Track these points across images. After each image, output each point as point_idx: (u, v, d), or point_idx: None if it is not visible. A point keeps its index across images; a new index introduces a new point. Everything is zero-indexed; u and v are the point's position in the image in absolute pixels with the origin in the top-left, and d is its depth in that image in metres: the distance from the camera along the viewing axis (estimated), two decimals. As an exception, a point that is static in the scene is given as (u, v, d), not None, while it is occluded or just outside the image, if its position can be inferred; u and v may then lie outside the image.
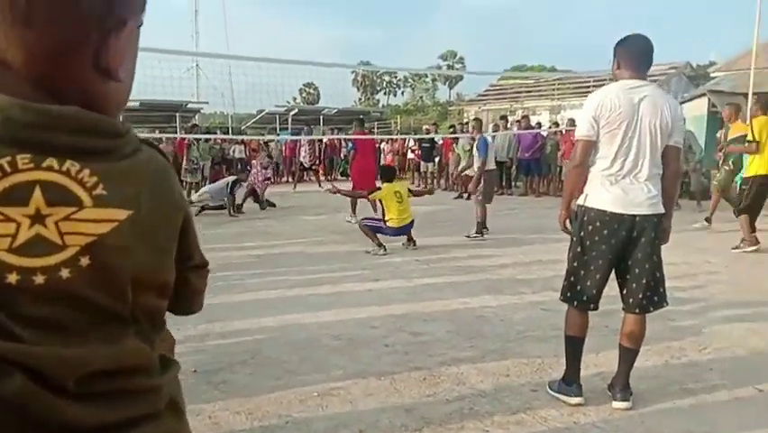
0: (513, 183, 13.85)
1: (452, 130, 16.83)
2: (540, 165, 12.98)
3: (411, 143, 16.41)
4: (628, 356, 2.93)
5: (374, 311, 4.50)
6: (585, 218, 2.82)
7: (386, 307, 4.61)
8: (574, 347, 2.98)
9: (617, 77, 2.86)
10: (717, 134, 13.39)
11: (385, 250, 6.68)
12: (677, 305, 4.59)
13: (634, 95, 2.74)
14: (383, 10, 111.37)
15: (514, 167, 13.62)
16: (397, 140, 17.83)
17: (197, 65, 26.12)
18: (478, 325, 4.19)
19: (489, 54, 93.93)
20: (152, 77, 8.40)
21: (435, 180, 15.21)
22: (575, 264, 2.89)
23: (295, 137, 18.23)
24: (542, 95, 28.67)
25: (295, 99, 65.54)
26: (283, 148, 17.92)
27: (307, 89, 71.60)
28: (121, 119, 0.77)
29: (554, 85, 28.05)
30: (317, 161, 16.41)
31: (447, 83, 66.75)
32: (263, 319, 4.35)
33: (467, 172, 12.59)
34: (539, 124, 15.94)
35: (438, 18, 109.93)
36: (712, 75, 21.06)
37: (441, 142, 15.12)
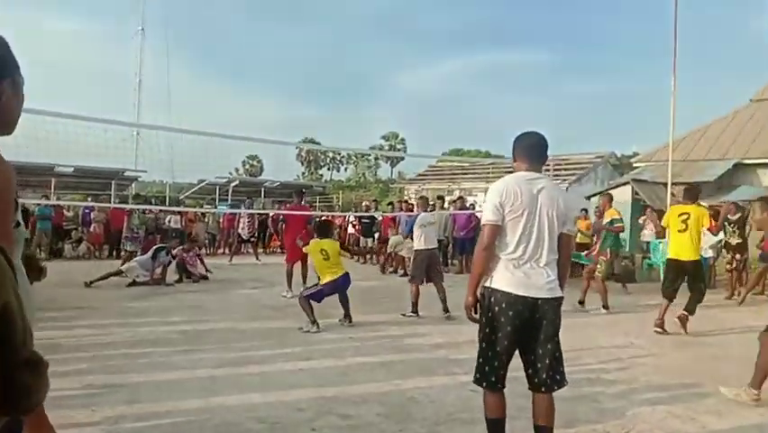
0: (450, 261, 14.05)
1: (390, 207, 17.10)
2: (474, 244, 13.27)
3: (352, 218, 16.54)
4: None
5: (303, 393, 4.36)
6: (492, 300, 2.94)
7: (316, 388, 4.49)
8: (495, 429, 3.00)
9: (516, 169, 3.12)
10: (640, 220, 14.23)
11: (318, 327, 6.57)
12: (603, 387, 4.70)
13: (533, 186, 2.99)
14: (328, 90, 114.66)
15: (450, 245, 13.88)
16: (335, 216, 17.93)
17: (138, 133, 25.84)
18: (408, 407, 4.13)
19: (429, 137, 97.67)
20: (87, 144, 8.18)
21: (375, 256, 15.26)
22: (484, 345, 2.99)
23: (233, 210, 18.05)
24: (477, 177, 29.84)
25: (237, 170, 65.41)
26: (221, 219, 17.68)
27: (251, 161, 71.65)
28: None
29: (488, 168, 29.32)
30: (256, 234, 16.18)
31: (389, 162, 68.47)
32: (186, 401, 4.14)
33: (402, 253, 12.78)
34: (472, 206, 16.45)
35: (381, 100, 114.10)
36: (634, 164, 22.58)
37: (380, 218, 15.32)
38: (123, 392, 4.26)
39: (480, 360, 3.00)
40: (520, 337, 2.93)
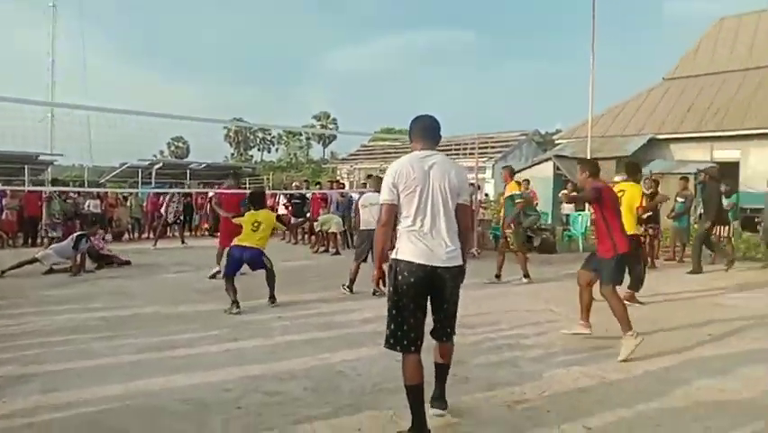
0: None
1: (319, 186, 17.05)
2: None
3: (283, 199, 16.33)
4: (442, 371, 3.49)
5: (229, 373, 4.33)
6: (397, 269, 3.20)
7: (242, 367, 4.46)
8: (415, 395, 3.14)
9: (412, 149, 3.39)
10: (560, 194, 14.80)
11: (238, 307, 6.49)
12: (522, 351, 4.93)
13: (424, 163, 3.25)
14: (258, 69, 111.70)
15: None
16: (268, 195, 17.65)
17: (52, 115, 24.40)
18: (335, 380, 4.19)
19: (361, 116, 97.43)
20: (-2, 127, 7.68)
21: (306, 236, 15.19)
22: (393, 312, 3.22)
23: (158, 190, 17.45)
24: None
25: (162, 153, 63.10)
26: (144, 203, 17.05)
27: (176, 143, 69.23)
28: None
29: (420, 146, 29.56)
30: (182, 217, 15.71)
31: (321, 142, 67.87)
32: (107, 387, 4.02)
33: (332, 230, 12.80)
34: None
35: (312, 81, 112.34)
36: (557, 141, 23.44)
37: (311, 197, 15.24)
38: (37, 382, 4.10)
39: (392, 326, 3.21)
40: (424, 302, 3.22)
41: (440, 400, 3.48)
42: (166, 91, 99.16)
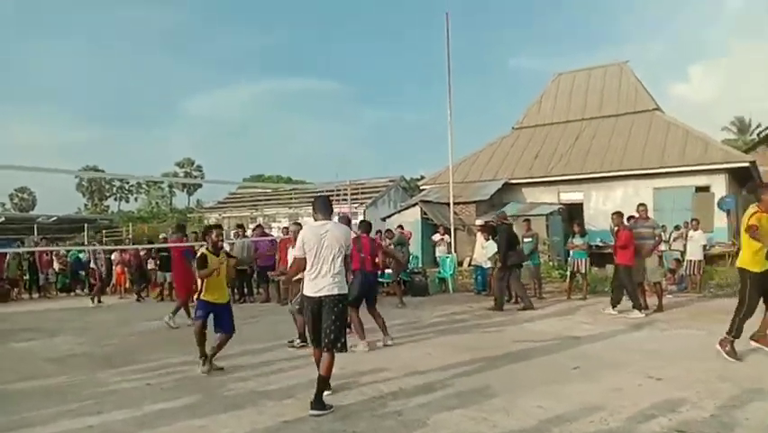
0: (256, 290, 13.77)
1: (195, 235, 16.29)
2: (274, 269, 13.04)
3: (153, 252, 15.27)
4: (321, 380, 4.80)
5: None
6: (303, 301, 5.12)
7: (109, 444, 4.06)
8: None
9: (314, 218, 5.09)
10: (435, 237, 15.30)
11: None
12: (405, 398, 4.97)
13: (320, 230, 4.95)
14: (110, 114, 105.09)
15: (255, 274, 13.54)
16: (127, 250, 16.49)
17: None
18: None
19: (228, 163, 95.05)
20: None
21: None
22: (308, 327, 5.18)
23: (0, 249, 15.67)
24: (280, 203, 29.84)
25: (4, 205, 57.05)
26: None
27: (20, 195, 63.15)
28: None
29: (291, 194, 29.52)
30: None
31: (185, 190, 65.22)
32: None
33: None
34: (286, 230, 16.09)
35: (173, 126, 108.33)
36: (422, 187, 24.53)
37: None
38: None
39: (306, 333, 5.73)
40: (318, 318, 4.88)
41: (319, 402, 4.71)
42: (6, 133, 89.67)
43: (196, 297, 6.58)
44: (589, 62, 26.68)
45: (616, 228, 9.94)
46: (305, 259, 4.90)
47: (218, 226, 7.21)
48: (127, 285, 15.91)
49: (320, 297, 4.81)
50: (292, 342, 7.36)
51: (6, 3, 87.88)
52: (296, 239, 6.38)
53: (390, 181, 28.75)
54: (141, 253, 14.94)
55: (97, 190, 64.47)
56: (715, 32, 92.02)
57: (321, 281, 4.82)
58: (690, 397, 4.74)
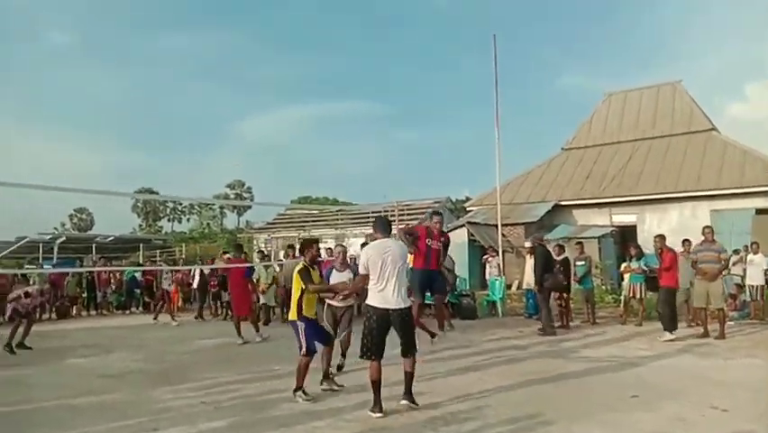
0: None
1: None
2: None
3: (207, 271, 15.58)
4: (408, 377, 5.39)
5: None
6: (368, 310, 5.35)
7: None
8: (376, 388, 5.23)
9: (374, 237, 5.64)
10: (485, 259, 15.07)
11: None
12: (458, 425, 4.88)
13: (382, 247, 5.39)
14: (162, 138, 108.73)
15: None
16: (180, 271, 16.90)
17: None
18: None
19: (276, 184, 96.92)
20: None
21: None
22: (367, 334, 5.27)
23: (61, 269, 16.36)
24: (326, 223, 30.15)
25: (64, 225, 59.59)
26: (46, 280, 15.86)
27: (79, 215, 65.83)
28: None
29: (337, 215, 29.80)
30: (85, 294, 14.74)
31: (236, 211, 66.81)
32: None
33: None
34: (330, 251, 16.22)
35: (224, 148, 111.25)
36: (468, 208, 24.37)
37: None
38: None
39: (366, 343, 5.25)
40: (386, 330, 5.27)
41: (408, 394, 5.39)
42: (68, 157, 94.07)
43: (293, 315, 6.03)
44: (639, 81, 26.19)
45: (659, 250, 9.65)
46: (367, 276, 5.34)
47: (316, 241, 7.30)
48: (179, 304, 16.28)
49: (387, 309, 5.22)
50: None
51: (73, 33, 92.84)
52: (342, 260, 7.15)
53: (436, 202, 28.67)
54: (199, 274, 15.23)
55: (152, 212, 66.68)
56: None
57: (388, 294, 5.24)
58: (758, 430, 4.50)
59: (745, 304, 11.79)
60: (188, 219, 66.05)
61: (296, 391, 5.85)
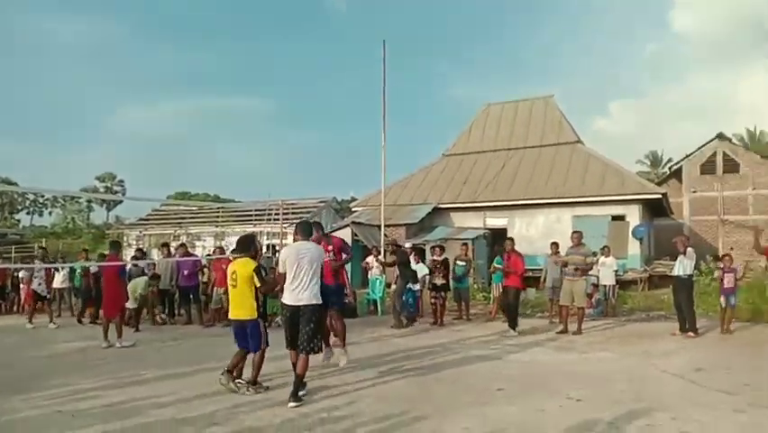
0: (177, 312, 13.23)
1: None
2: (197, 292, 12.57)
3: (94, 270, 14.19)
4: (296, 378, 5.63)
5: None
6: (283, 308, 5.92)
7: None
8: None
9: (295, 239, 5.97)
10: (368, 260, 15.21)
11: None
12: (333, 424, 4.88)
13: (300, 248, 5.82)
14: (26, 125, 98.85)
15: (177, 294, 12.99)
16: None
17: None
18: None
19: (152, 179, 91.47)
20: None
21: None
22: (286, 331, 5.84)
23: None
24: (206, 221, 29.03)
25: None
26: None
27: None
28: None
29: (218, 212, 28.82)
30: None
31: (105, 205, 62.29)
32: None
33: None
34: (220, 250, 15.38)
35: (94, 140, 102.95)
36: (353, 209, 24.60)
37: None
38: None
39: (286, 336, 5.84)
40: (295, 325, 5.70)
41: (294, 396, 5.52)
42: None
43: (252, 314, 5.96)
44: (519, 93, 27.89)
45: (507, 253, 10.46)
46: (284, 274, 5.71)
47: (254, 237, 7.09)
48: (38, 305, 14.83)
49: (299, 306, 5.65)
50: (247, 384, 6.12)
51: None
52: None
53: (321, 202, 28.64)
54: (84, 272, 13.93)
55: (8, 203, 60.46)
56: (633, 73, 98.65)
57: (301, 293, 5.65)
58: (605, 417, 4.93)
59: (599, 302, 12.89)
60: (50, 213, 60.67)
61: (253, 384, 6.00)
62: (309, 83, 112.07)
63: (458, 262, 12.35)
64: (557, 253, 11.47)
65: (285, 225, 19.79)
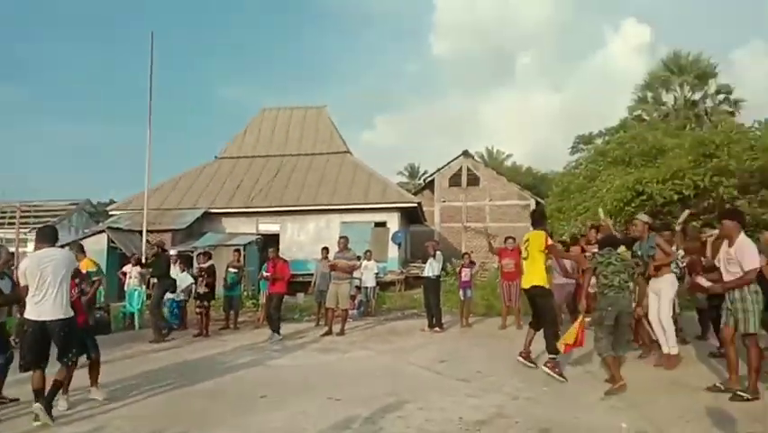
0: None
1: None
2: None
3: None
4: (54, 385, 5.23)
5: None
6: (25, 325, 5.28)
7: None
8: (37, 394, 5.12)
9: (37, 247, 5.42)
10: (125, 268, 13.93)
11: None
12: None
13: (43, 257, 5.22)
14: None
15: None
16: None
17: None
18: None
19: None
20: None
21: None
22: (29, 350, 5.21)
23: None
24: None
25: None
26: None
27: None
28: None
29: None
30: None
31: None
32: None
33: None
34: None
35: None
36: (111, 213, 22.46)
37: None
38: None
39: (26, 356, 5.19)
40: (45, 341, 5.16)
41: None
42: None
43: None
44: (295, 101, 28.28)
45: (270, 261, 10.73)
46: (26, 286, 5.11)
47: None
48: None
49: (44, 321, 5.09)
50: None
51: None
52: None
53: (72, 204, 25.58)
54: None
55: None
56: (397, 90, 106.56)
57: (47, 307, 5.09)
58: (362, 413, 5.24)
59: (362, 303, 13.70)
60: None
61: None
62: (65, 67, 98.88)
63: (230, 269, 12.01)
64: (326, 257, 11.88)
65: (25, 231, 17.33)
